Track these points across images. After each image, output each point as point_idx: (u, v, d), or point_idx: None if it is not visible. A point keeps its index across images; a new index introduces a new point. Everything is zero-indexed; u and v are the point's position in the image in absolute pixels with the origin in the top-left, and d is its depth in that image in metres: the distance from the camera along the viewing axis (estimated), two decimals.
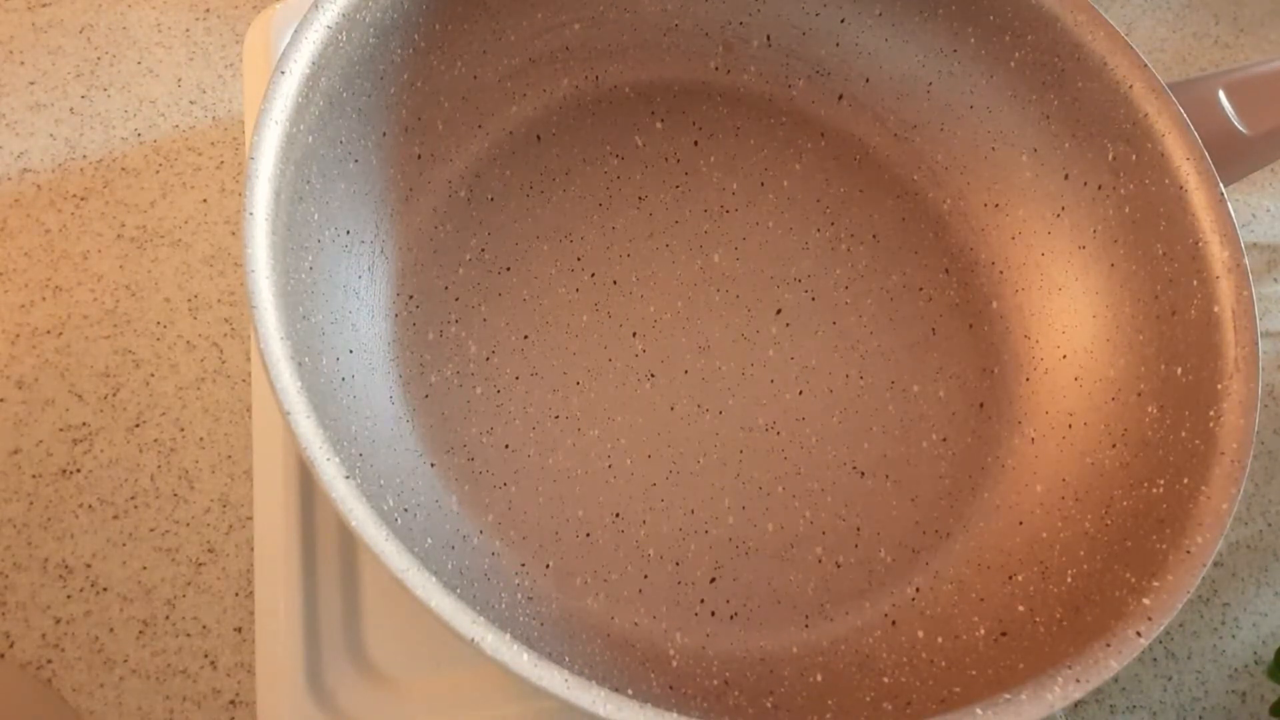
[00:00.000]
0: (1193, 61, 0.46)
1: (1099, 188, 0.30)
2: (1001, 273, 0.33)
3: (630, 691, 0.20)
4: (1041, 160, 0.32)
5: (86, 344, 0.34)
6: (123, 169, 0.37)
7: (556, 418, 0.31)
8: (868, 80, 0.35)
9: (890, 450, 0.31)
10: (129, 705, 0.29)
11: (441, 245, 0.32)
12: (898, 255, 0.34)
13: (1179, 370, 0.27)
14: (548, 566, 0.29)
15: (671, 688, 0.27)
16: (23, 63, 0.39)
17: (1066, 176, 0.31)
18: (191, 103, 0.39)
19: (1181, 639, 0.34)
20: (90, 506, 0.32)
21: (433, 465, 0.29)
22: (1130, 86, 0.28)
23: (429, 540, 0.26)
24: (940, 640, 0.27)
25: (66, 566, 0.31)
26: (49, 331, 0.34)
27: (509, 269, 0.32)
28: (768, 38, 0.35)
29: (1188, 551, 0.23)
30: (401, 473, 0.28)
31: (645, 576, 0.29)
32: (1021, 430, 0.31)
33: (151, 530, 0.32)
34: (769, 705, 0.26)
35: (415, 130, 0.31)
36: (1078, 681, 0.21)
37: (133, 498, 0.32)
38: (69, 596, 0.31)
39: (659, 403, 0.31)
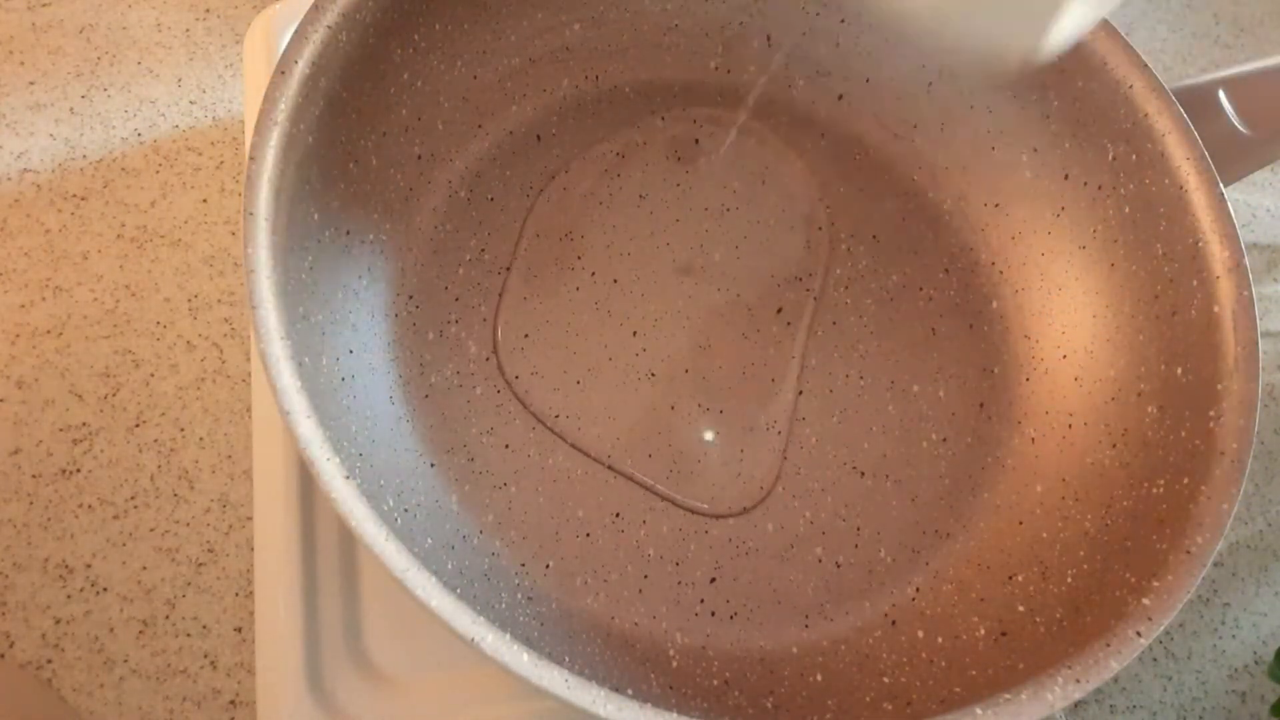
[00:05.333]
0: (1193, 61, 0.46)
1: (1099, 188, 0.30)
2: (1001, 273, 0.33)
3: (630, 691, 0.20)
4: (1041, 160, 0.32)
5: (86, 344, 0.34)
6: (123, 169, 0.37)
7: (557, 417, 0.31)
8: (868, 80, 0.35)
9: (890, 450, 0.31)
10: (129, 705, 0.29)
11: (441, 245, 0.32)
12: (898, 255, 0.34)
13: (1179, 370, 0.27)
14: (548, 566, 0.29)
15: (671, 688, 0.27)
16: (23, 63, 0.39)
17: (1066, 176, 0.31)
18: (191, 103, 0.39)
19: (1181, 639, 0.34)
20: (90, 506, 0.32)
21: (433, 465, 0.29)
22: (1130, 86, 0.28)
23: (429, 540, 0.26)
24: (940, 640, 0.27)
25: (66, 566, 0.31)
26: (49, 331, 0.34)
27: (509, 269, 0.32)
28: (768, 38, 0.35)
29: (1188, 551, 0.23)
30: (401, 473, 0.28)
31: (645, 576, 0.29)
32: (1021, 430, 0.31)
33: (151, 530, 0.32)
34: (769, 705, 0.26)
35: (415, 130, 0.31)
36: (1078, 681, 0.21)
37: (133, 498, 0.32)
38: (69, 596, 0.31)
39: (659, 402, 0.31)
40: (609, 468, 0.30)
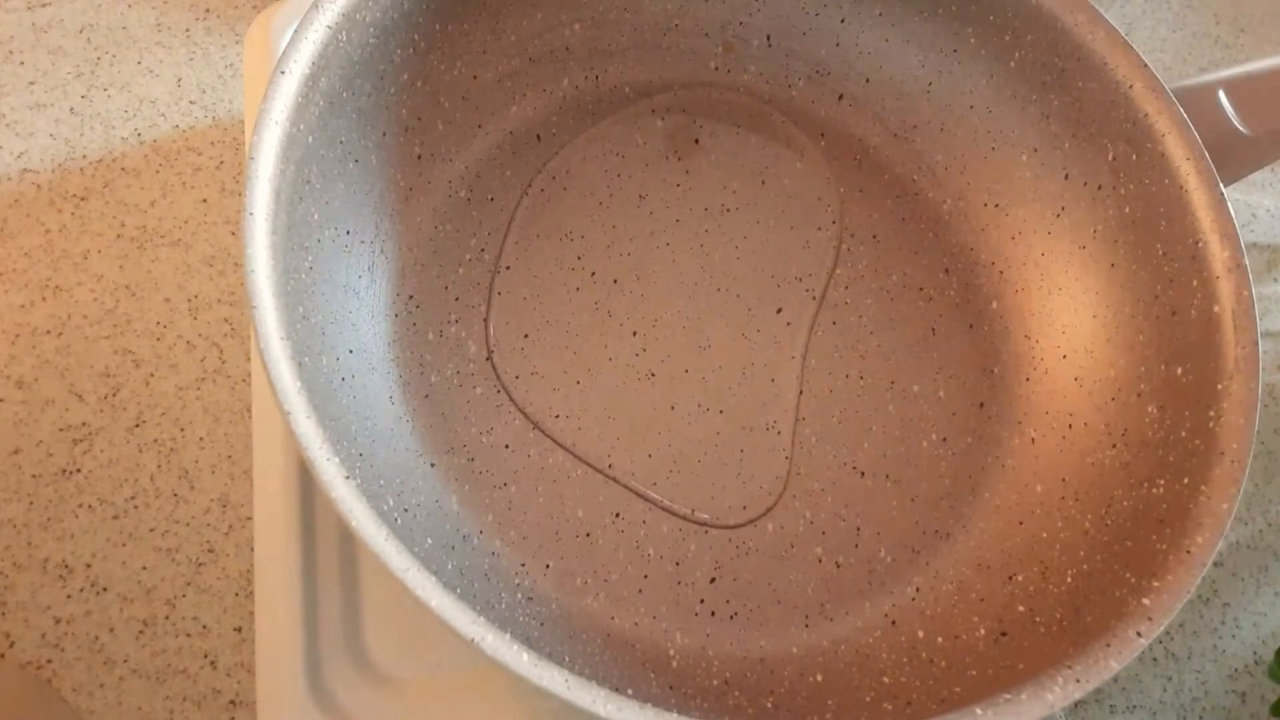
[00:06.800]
0: (1193, 61, 0.46)
1: (1099, 188, 0.30)
2: (1001, 273, 0.33)
3: (630, 691, 0.20)
4: (1041, 160, 0.32)
5: (86, 344, 0.34)
6: (123, 169, 0.37)
7: (556, 417, 0.31)
8: (868, 80, 0.35)
9: (890, 450, 0.31)
10: (129, 705, 0.29)
11: (441, 245, 0.32)
12: (898, 255, 0.34)
13: (1179, 370, 0.27)
14: (548, 566, 0.29)
15: (671, 688, 0.27)
16: (23, 63, 0.39)
17: (1066, 176, 0.31)
18: (191, 103, 0.39)
19: (1181, 639, 0.34)
20: (90, 506, 0.32)
21: (433, 465, 0.29)
22: (1130, 86, 0.28)
23: (429, 540, 0.26)
24: (940, 640, 0.27)
25: (66, 566, 0.31)
26: (49, 331, 0.34)
27: (509, 268, 0.32)
28: (768, 38, 0.35)
29: (1188, 551, 0.23)
30: (401, 473, 0.28)
31: (645, 576, 0.29)
32: (1021, 430, 0.31)
33: (151, 530, 0.32)
34: (769, 705, 0.26)
35: (415, 130, 0.31)
36: (1078, 681, 0.21)
37: (133, 498, 0.32)
38: (69, 596, 0.31)
39: (659, 402, 0.31)
40: (609, 467, 0.30)
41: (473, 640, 0.20)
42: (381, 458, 0.27)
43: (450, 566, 0.26)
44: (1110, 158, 0.30)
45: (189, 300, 0.35)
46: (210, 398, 0.34)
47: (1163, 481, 0.26)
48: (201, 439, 0.33)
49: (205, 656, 0.30)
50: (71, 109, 0.38)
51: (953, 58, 0.33)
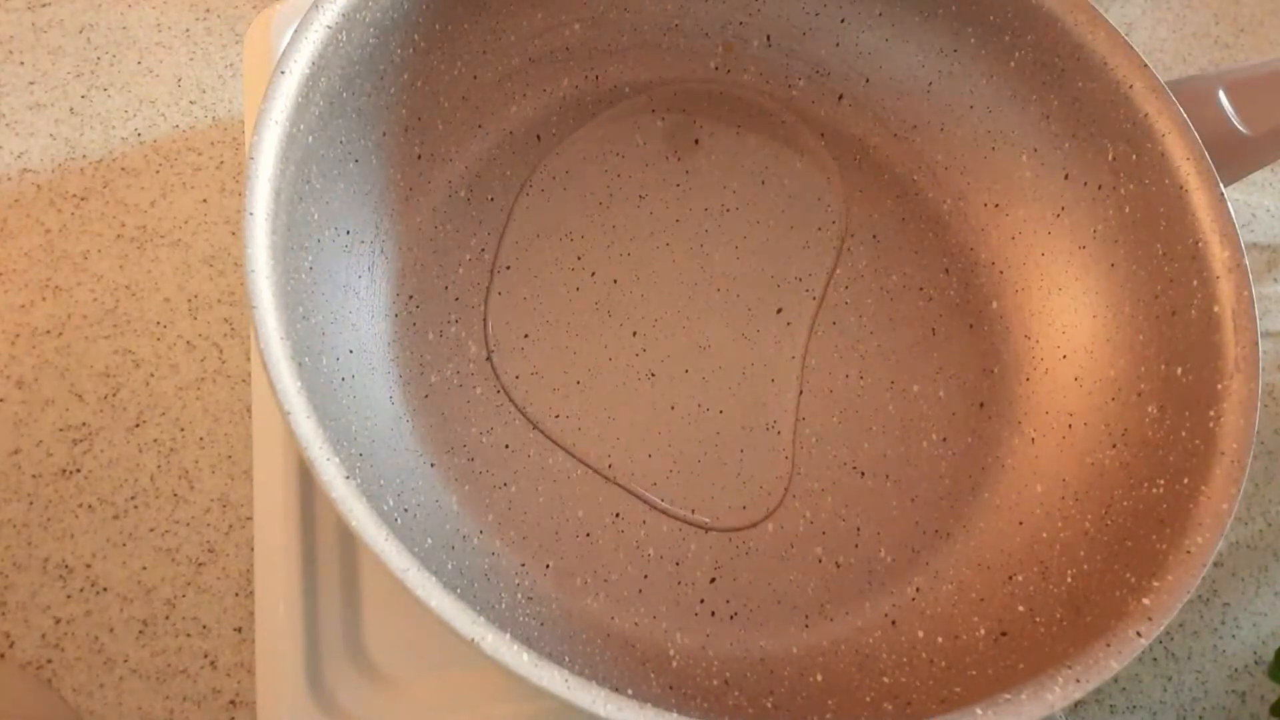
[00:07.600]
0: (1193, 61, 0.46)
1: (1099, 188, 0.30)
2: (1001, 273, 0.33)
3: (630, 691, 0.20)
4: (1041, 160, 0.32)
5: (86, 344, 0.34)
6: (123, 169, 0.37)
7: (556, 417, 0.31)
8: (868, 80, 0.35)
9: (890, 450, 0.31)
10: (129, 705, 0.29)
11: (441, 245, 0.32)
12: (898, 255, 0.34)
13: (1179, 370, 0.27)
14: (548, 566, 0.29)
15: (671, 688, 0.27)
16: (23, 63, 0.39)
17: (1066, 176, 0.31)
18: (191, 103, 0.39)
19: (1181, 639, 0.34)
20: (90, 506, 0.32)
21: (433, 465, 0.29)
22: (1130, 86, 0.28)
23: (429, 540, 0.26)
24: (940, 640, 0.27)
25: (66, 566, 0.31)
26: (49, 331, 0.34)
27: (509, 268, 0.32)
28: (768, 38, 0.35)
29: (1188, 551, 0.23)
30: (401, 473, 0.28)
31: (645, 576, 0.29)
32: (1021, 430, 0.31)
33: (151, 530, 0.32)
34: (769, 705, 0.26)
35: (415, 130, 0.31)
36: (1078, 681, 0.21)
37: (133, 498, 0.32)
38: (69, 596, 0.31)
39: (659, 402, 0.31)
40: (609, 467, 0.30)
41: (473, 640, 0.20)
42: (381, 458, 0.27)
43: (450, 566, 0.26)
44: (1110, 158, 0.30)
45: (189, 300, 0.35)
46: (210, 398, 0.34)
47: (1163, 481, 0.26)
48: (201, 439, 0.33)
49: (205, 656, 0.30)
50: (71, 109, 0.38)
51: (953, 58, 0.33)
